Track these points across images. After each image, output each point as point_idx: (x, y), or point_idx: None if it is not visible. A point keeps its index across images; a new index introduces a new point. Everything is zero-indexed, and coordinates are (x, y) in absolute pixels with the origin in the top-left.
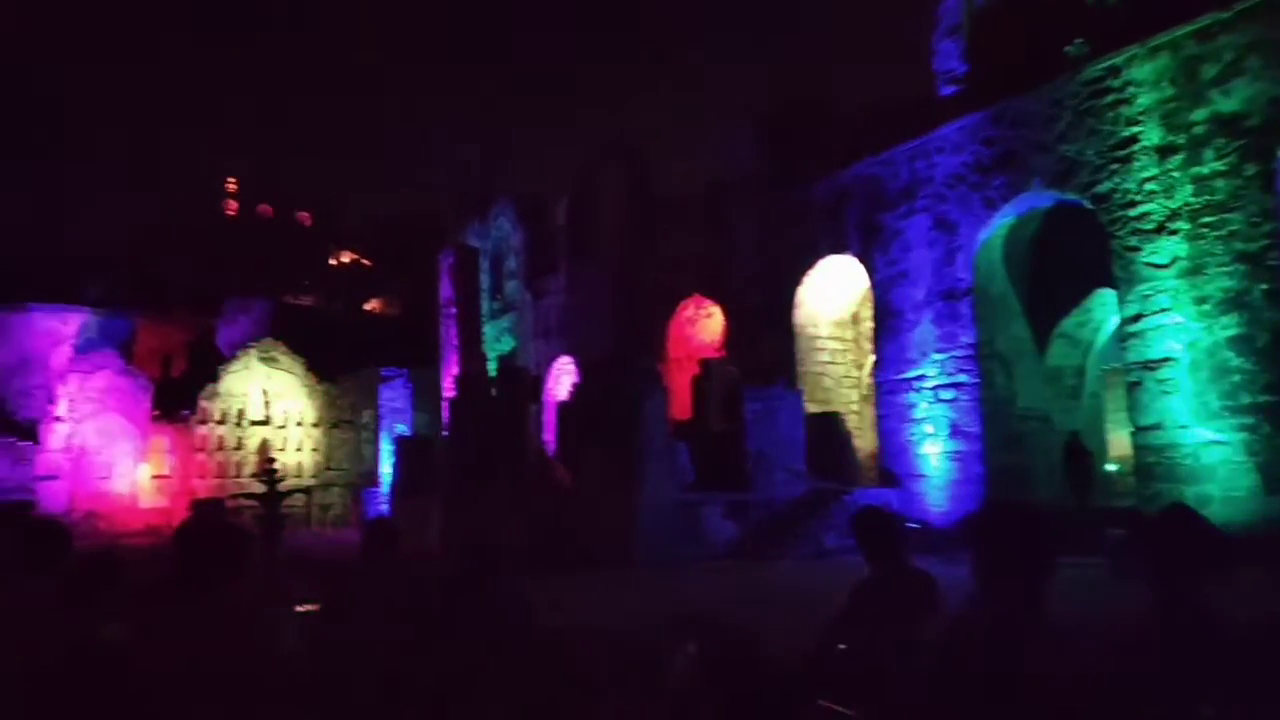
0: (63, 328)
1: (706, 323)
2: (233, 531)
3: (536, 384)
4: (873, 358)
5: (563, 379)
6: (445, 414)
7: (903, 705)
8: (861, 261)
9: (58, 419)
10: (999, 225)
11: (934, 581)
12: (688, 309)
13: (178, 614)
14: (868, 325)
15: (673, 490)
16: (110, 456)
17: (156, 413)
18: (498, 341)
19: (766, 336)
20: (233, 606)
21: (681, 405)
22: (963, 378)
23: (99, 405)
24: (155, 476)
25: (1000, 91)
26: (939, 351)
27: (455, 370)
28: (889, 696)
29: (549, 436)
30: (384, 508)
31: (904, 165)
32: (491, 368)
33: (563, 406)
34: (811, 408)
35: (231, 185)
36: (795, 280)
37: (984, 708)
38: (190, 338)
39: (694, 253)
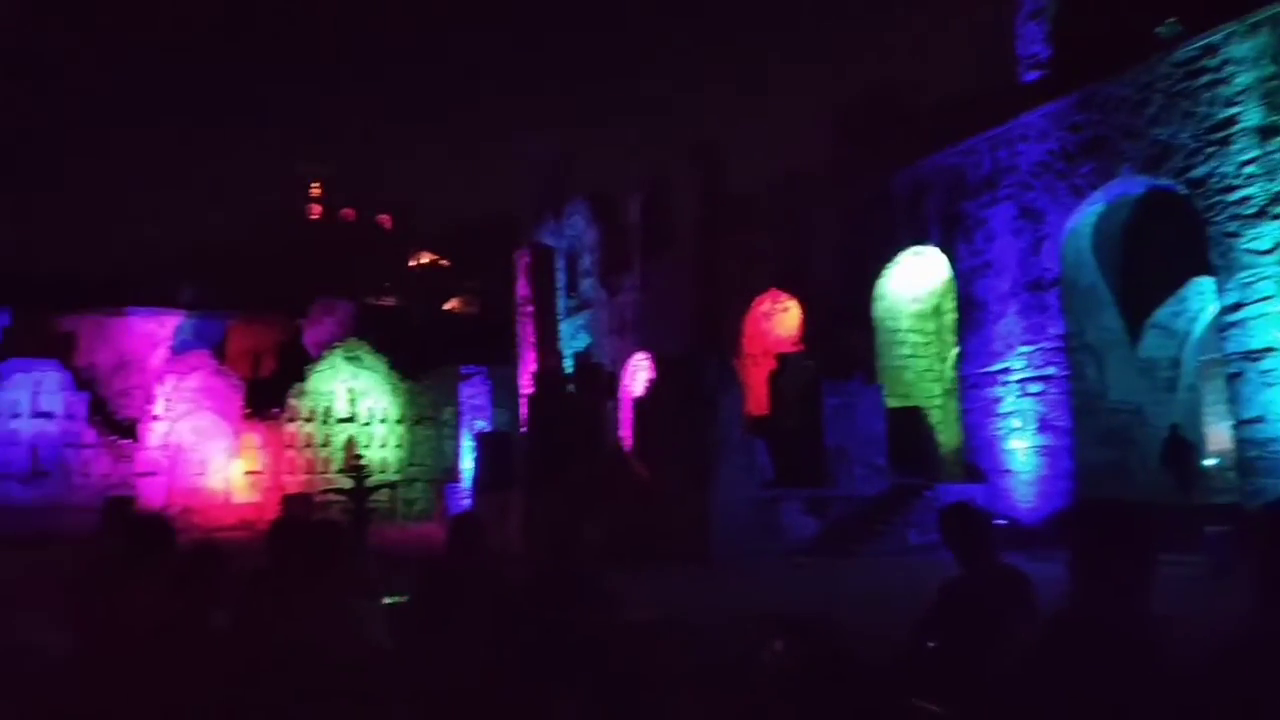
0: (159, 330)
1: (783, 317)
2: (327, 527)
3: (612, 380)
4: (956, 351)
5: (638, 375)
6: (523, 410)
7: (996, 705)
8: (944, 252)
9: (155, 418)
10: (1088, 213)
11: (1027, 579)
12: (764, 304)
13: (275, 605)
14: (950, 317)
15: (750, 486)
16: (205, 453)
17: (248, 411)
18: (574, 339)
19: (845, 331)
20: (326, 598)
21: (758, 401)
22: (1051, 370)
23: (194, 404)
24: (247, 472)
25: (1086, 76)
26: (1026, 344)
27: (533, 367)
28: (981, 696)
29: (625, 433)
30: (465, 502)
31: (986, 154)
32: (568, 365)
33: (638, 402)
34: (892, 402)
35: (316, 190)
36: (875, 273)
37: (1081, 710)
38: (279, 338)
39: (770, 247)
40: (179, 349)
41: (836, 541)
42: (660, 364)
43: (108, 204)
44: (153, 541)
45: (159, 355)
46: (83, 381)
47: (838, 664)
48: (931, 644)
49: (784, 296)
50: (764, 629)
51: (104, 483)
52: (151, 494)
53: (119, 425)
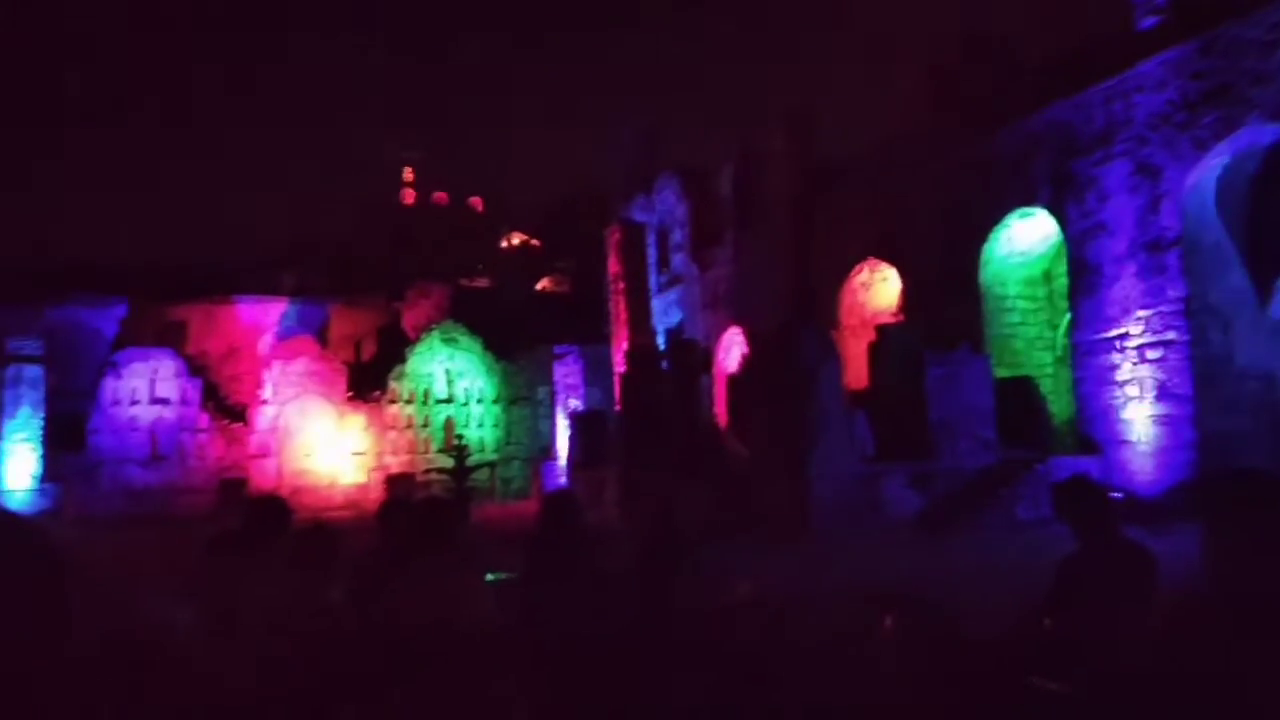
0: (265, 317)
1: (882, 287)
2: (435, 505)
3: (706, 356)
4: (1068, 317)
5: (732, 350)
6: (617, 389)
7: (1121, 684)
8: (1053, 214)
9: (264, 402)
10: (1211, 167)
11: (1151, 555)
12: (861, 273)
13: (388, 581)
14: (1062, 282)
15: (851, 461)
16: (311, 436)
17: (350, 394)
18: (666, 315)
19: (948, 299)
20: (438, 574)
21: (857, 373)
22: (1171, 335)
23: (299, 388)
24: (351, 453)
25: (1210, 19)
26: (1143, 308)
27: (625, 345)
28: (1104, 674)
29: (720, 409)
30: (562, 480)
31: (1099, 108)
32: (661, 341)
33: (733, 378)
34: (1000, 372)
35: (409, 175)
36: (979, 238)
37: (1217, 692)
38: (378, 322)
39: (866, 214)
40: (284, 335)
41: (941, 517)
42: (755, 338)
43: (215, 197)
44: (271, 522)
45: (265, 341)
46: (195, 368)
47: (950, 640)
48: (1049, 621)
49: (882, 265)
50: (873, 605)
51: (217, 465)
52: (262, 476)
53: (230, 410)
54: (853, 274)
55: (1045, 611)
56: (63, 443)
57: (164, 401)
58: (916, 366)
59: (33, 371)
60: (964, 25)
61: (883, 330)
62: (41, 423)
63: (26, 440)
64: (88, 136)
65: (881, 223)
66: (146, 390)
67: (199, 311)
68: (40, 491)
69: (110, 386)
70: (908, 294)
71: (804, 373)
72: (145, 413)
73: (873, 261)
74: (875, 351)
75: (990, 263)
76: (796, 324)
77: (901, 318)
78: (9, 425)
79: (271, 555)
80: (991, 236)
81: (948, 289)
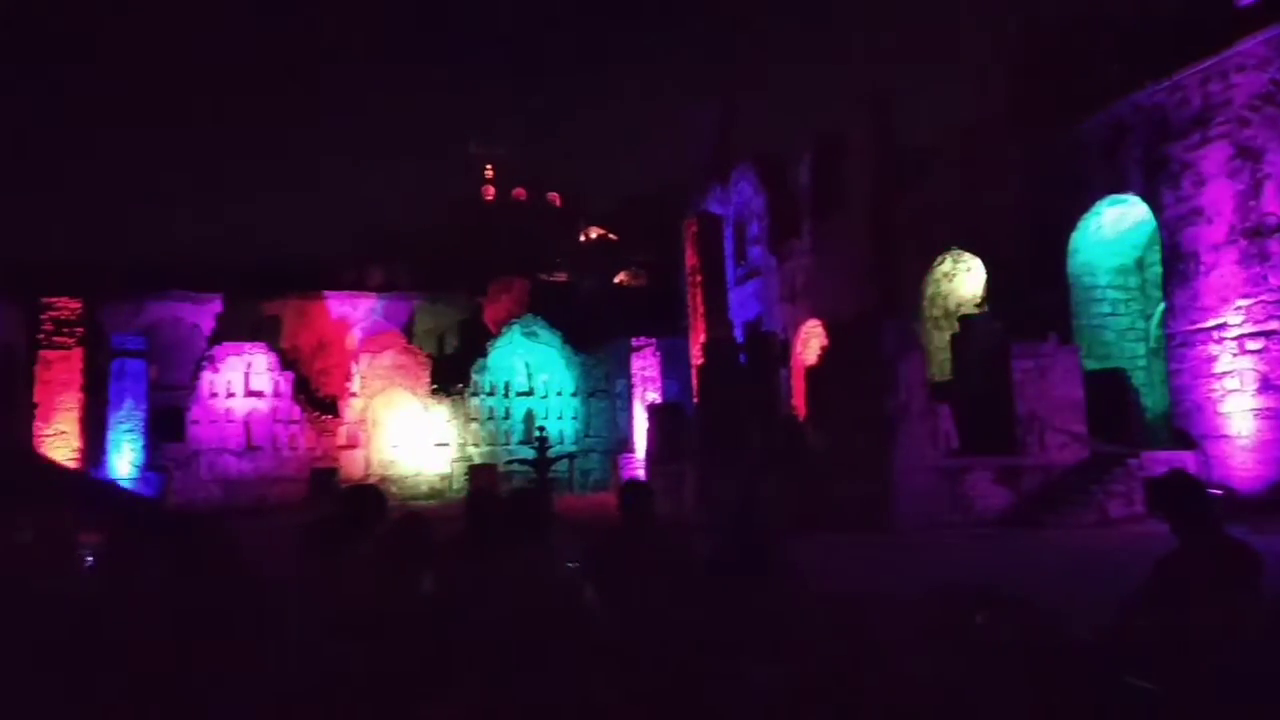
0: (353, 312)
1: (965, 277)
2: (526, 495)
3: (784, 349)
4: (1162, 307)
5: (811, 343)
6: (694, 381)
7: (1224, 686)
8: (1145, 200)
9: (353, 394)
10: None
11: (1255, 553)
12: (944, 263)
13: (479, 570)
14: (1155, 271)
15: (934, 455)
16: (397, 427)
17: (434, 386)
18: (743, 308)
19: (1035, 289)
20: (526, 563)
21: (940, 366)
22: (1273, 325)
23: (386, 381)
24: (435, 445)
25: None
26: (1244, 297)
27: (702, 338)
28: (1205, 676)
29: (799, 401)
30: (639, 473)
31: (1194, 89)
32: (738, 334)
33: (812, 371)
34: (1090, 364)
35: (489, 172)
36: (1067, 226)
37: None
38: (461, 316)
39: (949, 203)
40: (371, 330)
41: (1030, 513)
42: (834, 330)
43: (305, 195)
44: (368, 511)
45: (354, 336)
46: (288, 362)
47: (1044, 639)
48: (1146, 620)
49: (965, 255)
50: (963, 602)
51: (308, 455)
52: (351, 466)
53: (320, 402)
54: (935, 264)
55: (1142, 610)
56: (163, 433)
57: (258, 394)
58: (1002, 359)
59: (135, 366)
60: (1046, 7)
61: (966, 321)
62: (144, 414)
63: (130, 431)
64: (182, 137)
65: (964, 211)
66: (241, 383)
67: (291, 307)
68: (143, 480)
69: (207, 380)
70: (992, 284)
71: (885, 365)
72: (240, 405)
73: (956, 251)
74: (959, 343)
75: (1079, 251)
76: (877, 316)
77: (986, 309)
78: (114, 417)
79: (368, 543)
80: (1080, 224)
81: (1034, 279)
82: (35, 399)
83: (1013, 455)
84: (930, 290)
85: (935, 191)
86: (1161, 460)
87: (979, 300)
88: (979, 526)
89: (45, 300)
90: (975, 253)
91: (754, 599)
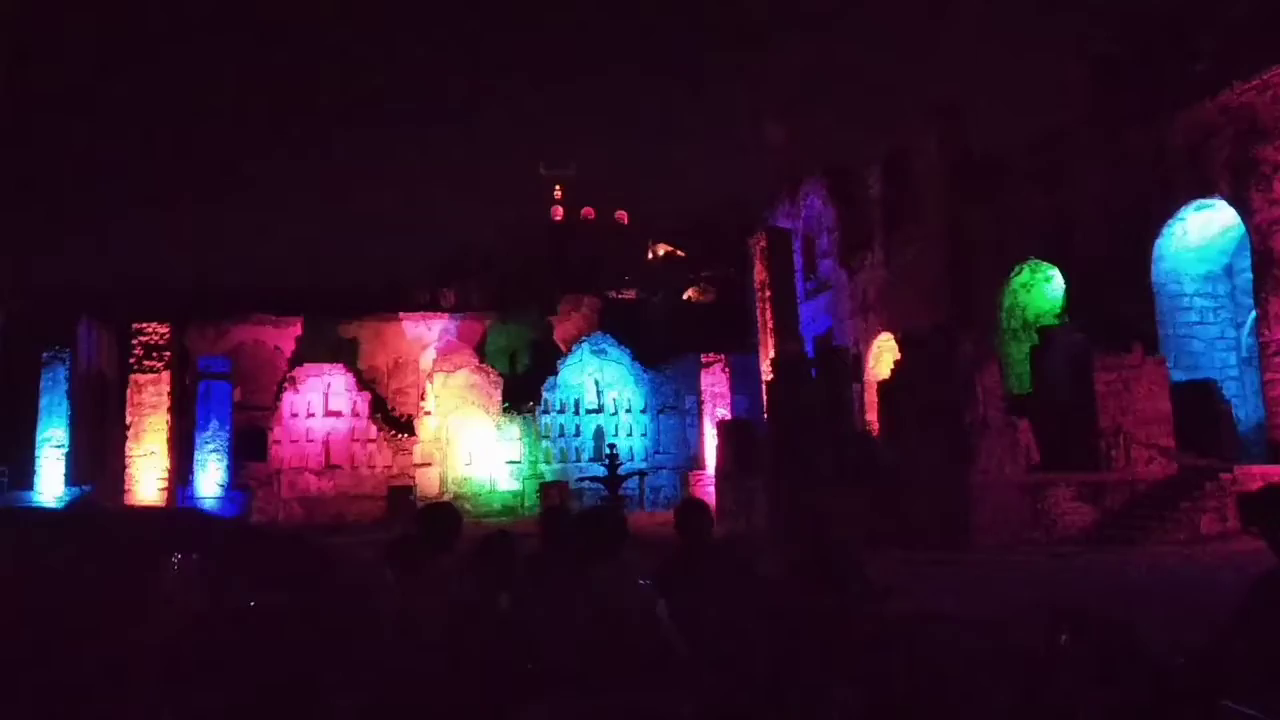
0: (427, 333)
1: (1044, 287)
2: (605, 514)
3: (856, 363)
4: (1254, 314)
5: (884, 356)
6: (765, 397)
7: None
8: (1234, 205)
9: (427, 413)
10: None
11: None
12: (1021, 273)
13: (556, 587)
14: (1245, 278)
15: (1013, 470)
16: (471, 445)
17: (506, 404)
18: (813, 322)
19: (1118, 298)
20: (602, 581)
21: (1019, 378)
22: None
23: (460, 399)
24: (507, 462)
25: None
26: None
27: (772, 353)
28: None
29: (872, 417)
30: (710, 489)
31: None
32: (809, 349)
33: (885, 385)
34: (1178, 375)
35: (558, 193)
36: (1150, 233)
37: None
38: (531, 335)
39: (1026, 212)
40: (444, 349)
41: (1115, 530)
42: (908, 343)
43: (379, 219)
44: (445, 529)
45: (428, 356)
46: (365, 382)
47: (1134, 661)
48: (1245, 642)
49: (1044, 264)
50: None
51: (386, 473)
52: (426, 483)
53: (396, 421)
54: (1012, 274)
55: (1239, 632)
56: (246, 453)
57: (337, 414)
58: (1084, 371)
59: (220, 387)
60: (1125, 8)
61: (1046, 333)
62: (228, 435)
63: (215, 451)
64: (262, 165)
65: (1042, 220)
66: (321, 403)
67: (368, 328)
68: (228, 499)
69: (288, 400)
70: (1073, 294)
71: (961, 379)
72: (320, 425)
73: (1034, 261)
74: (1038, 355)
75: (1164, 258)
76: (952, 328)
77: (1066, 319)
78: (200, 437)
79: (448, 560)
80: (1165, 231)
81: (1117, 288)
82: (127, 420)
83: (1097, 470)
84: (1007, 301)
85: (1012, 200)
86: (1256, 475)
87: (1059, 311)
88: (1061, 544)
89: (136, 326)
90: (1054, 262)
91: (829, 617)
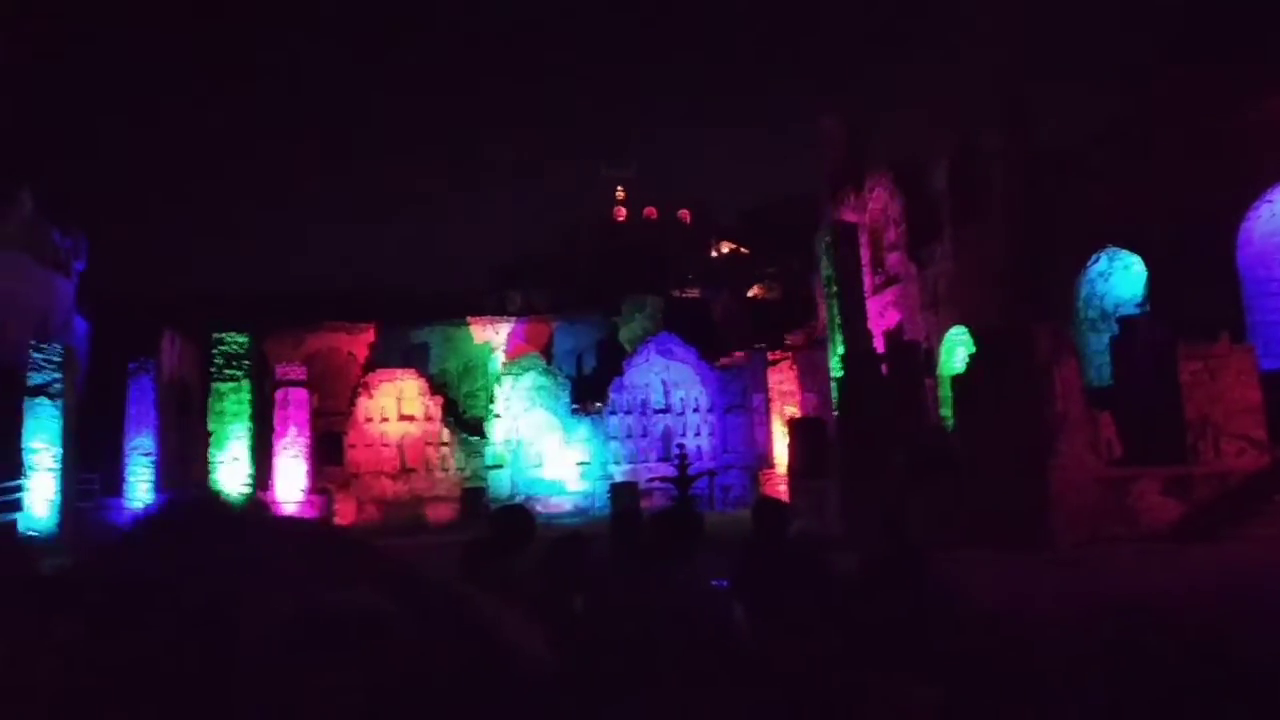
0: (495, 336)
1: (1123, 276)
2: (689, 517)
3: (928, 357)
4: None
5: (956, 351)
6: (834, 394)
7: None
8: None
9: (497, 416)
10: None
11: None
12: (1098, 262)
13: (630, 588)
14: None
15: (1095, 464)
16: (540, 447)
17: (574, 406)
18: (882, 317)
19: (1201, 285)
20: (674, 581)
21: (1100, 370)
22: None
23: (528, 402)
24: (576, 463)
25: None
26: None
27: (841, 349)
28: None
29: (945, 411)
30: (780, 489)
31: None
32: (878, 344)
33: (959, 379)
34: (1268, 364)
35: (620, 193)
36: (1234, 217)
37: None
38: (597, 336)
39: (1102, 198)
40: (512, 352)
41: (1203, 526)
42: (982, 336)
43: (448, 224)
44: (519, 531)
45: (496, 359)
46: (436, 386)
47: (1219, 661)
48: None
49: (1122, 252)
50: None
51: (459, 476)
52: (498, 485)
53: (468, 423)
54: (1089, 263)
55: None
56: (324, 457)
57: (410, 418)
58: (1167, 361)
59: (298, 394)
60: None
61: (1126, 323)
62: (306, 440)
63: (295, 457)
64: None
65: (1119, 206)
66: (395, 408)
67: (438, 333)
68: (307, 503)
69: (363, 405)
70: (1153, 282)
71: (1038, 372)
72: (394, 429)
73: (1111, 249)
74: (1118, 346)
75: (1250, 243)
76: (1028, 320)
77: (1147, 308)
78: (280, 444)
79: (522, 562)
80: (1251, 215)
81: (1200, 275)
82: (210, 427)
83: (1183, 464)
84: (1085, 291)
85: (1087, 187)
86: None
87: (1139, 300)
88: (1147, 540)
89: (216, 335)
90: (1133, 250)
91: (905, 616)
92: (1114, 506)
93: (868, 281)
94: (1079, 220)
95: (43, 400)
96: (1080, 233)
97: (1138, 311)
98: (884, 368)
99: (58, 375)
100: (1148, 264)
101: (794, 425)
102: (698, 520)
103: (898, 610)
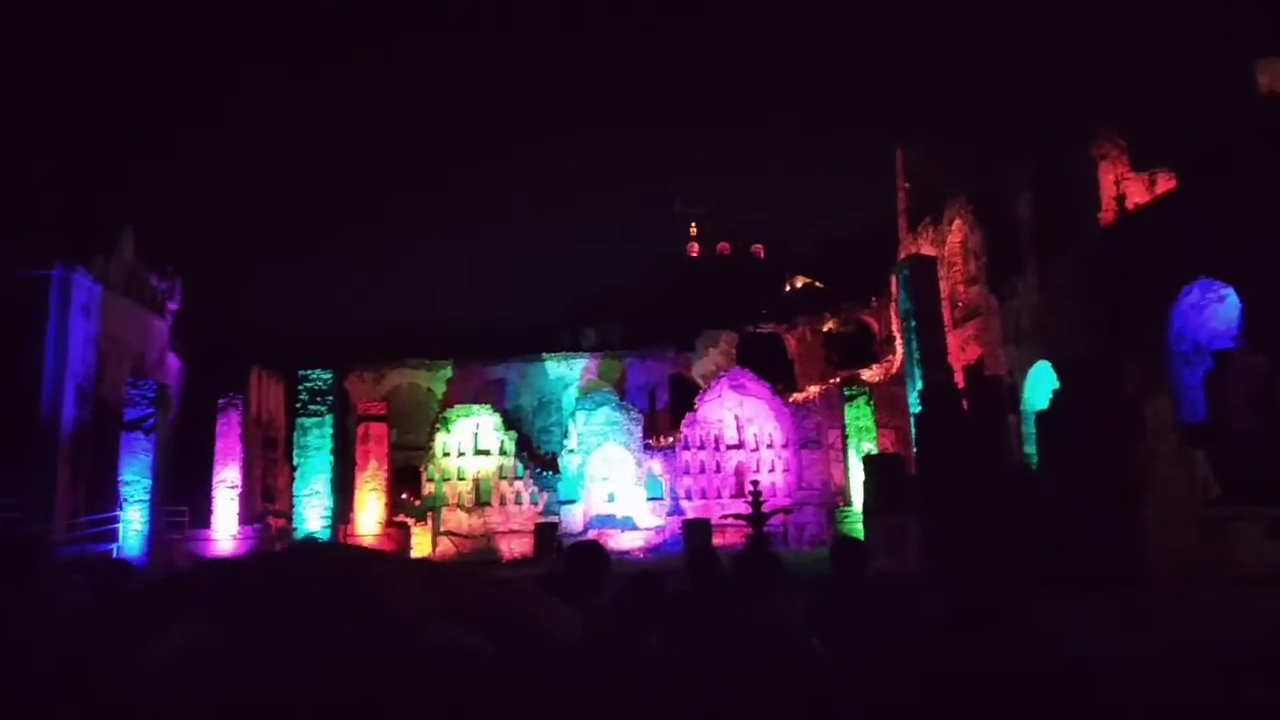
0: (569, 372)
1: (1218, 308)
2: (768, 559)
3: (1011, 393)
4: None
5: (1041, 386)
6: (913, 430)
7: None
8: None
9: (571, 451)
10: None
11: None
12: (1191, 294)
13: (705, 629)
14: None
15: (1190, 504)
16: (613, 482)
17: (648, 441)
18: (962, 351)
19: None
20: (753, 621)
21: (1194, 406)
22: None
23: (601, 437)
24: (649, 499)
25: None
26: None
27: (920, 384)
28: None
29: (1030, 449)
30: (858, 527)
31: None
32: (959, 379)
33: (1044, 416)
34: None
35: (694, 229)
36: None
37: None
38: (670, 371)
39: (1194, 226)
40: (586, 388)
41: None
42: (1067, 371)
43: (525, 261)
44: (593, 568)
45: (570, 394)
46: (511, 421)
47: None
48: None
49: (1217, 284)
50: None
51: (533, 510)
52: (571, 520)
53: (541, 459)
54: (1181, 295)
55: None
56: (402, 490)
57: (485, 453)
58: (1268, 396)
59: (378, 429)
60: None
61: (1222, 357)
62: (386, 474)
63: (374, 490)
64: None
65: (1213, 236)
66: (470, 443)
67: (513, 369)
68: (385, 536)
69: (440, 440)
70: (1250, 313)
71: (1128, 408)
72: (470, 463)
73: (1205, 280)
74: (1214, 381)
75: None
76: (1116, 354)
77: (1244, 342)
78: (361, 477)
79: (597, 598)
80: None
81: None
82: (294, 462)
83: None
84: (1176, 324)
85: (1179, 214)
86: None
87: (1234, 333)
88: (1249, 585)
89: (301, 372)
90: (1228, 280)
91: (991, 663)
92: (1212, 549)
93: (947, 315)
94: (1169, 250)
95: (137, 435)
96: (1171, 263)
97: (1233, 345)
98: (965, 403)
99: (151, 410)
100: (1242, 295)
101: (871, 462)
102: (776, 560)
103: (982, 658)
